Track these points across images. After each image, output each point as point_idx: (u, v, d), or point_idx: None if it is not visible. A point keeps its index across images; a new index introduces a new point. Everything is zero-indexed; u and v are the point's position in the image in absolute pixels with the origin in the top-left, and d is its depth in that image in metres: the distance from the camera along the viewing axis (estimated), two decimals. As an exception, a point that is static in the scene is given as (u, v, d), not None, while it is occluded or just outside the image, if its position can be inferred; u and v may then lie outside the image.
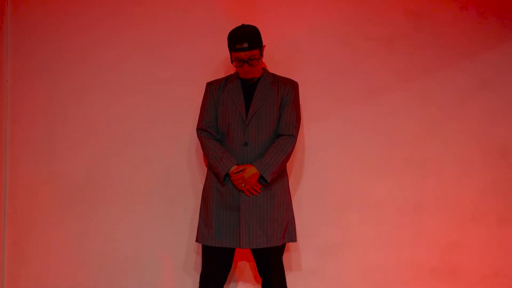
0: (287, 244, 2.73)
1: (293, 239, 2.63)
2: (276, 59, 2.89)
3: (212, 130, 2.67)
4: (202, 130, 2.67)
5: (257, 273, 2.75)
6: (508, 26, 2.99)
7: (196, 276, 2.88)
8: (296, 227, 2.70)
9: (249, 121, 2.61)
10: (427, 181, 2.98)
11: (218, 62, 2.93)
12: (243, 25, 2.59)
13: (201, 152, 2.85)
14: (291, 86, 2.69)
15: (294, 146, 2.62)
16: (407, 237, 2.99)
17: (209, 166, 2.64)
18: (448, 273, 2.99)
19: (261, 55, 2.60)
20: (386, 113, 2.98)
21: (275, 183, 2.60)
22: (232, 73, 2.76)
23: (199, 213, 2.67)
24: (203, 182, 2.72)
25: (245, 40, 2.49)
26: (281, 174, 2.65)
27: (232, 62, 2.57)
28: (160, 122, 2.94)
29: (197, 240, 2.61)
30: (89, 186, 2.95)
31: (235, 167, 2.53)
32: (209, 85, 2.74)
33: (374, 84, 2.97)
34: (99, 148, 2.95)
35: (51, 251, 2.95)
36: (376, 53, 2.97)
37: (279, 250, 2.65)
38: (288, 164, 2.72)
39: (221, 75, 2.86)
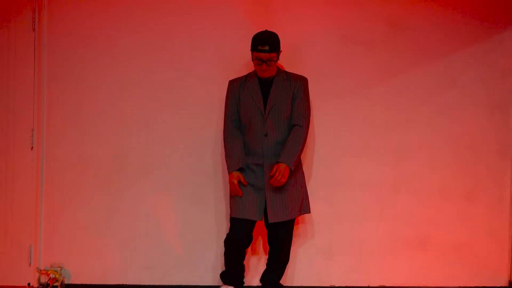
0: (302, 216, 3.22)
1: (307, 211, 3.10)
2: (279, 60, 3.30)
3: (235, 123, 3.08)
4: (227, 124, 3.09)
5: (266, 243, 3.21)
6: (473, 31, 3.42)
7: (215, 246, 3.37)
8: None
9: (267, 115, 2.98)
10: (403, 165, 3.44)
11: (237, 63, 3.30)
12: (266, 30, 2.99)
13: (214, 137, 3.35)
14: (301, 81, 3.05)
15: (306, 135, 3.01)
16: (386, 213, 3.45)
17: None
18: (422, 244, 3.46)
19: (278, 58, 2.98)
20: (369, 106, 3.43)
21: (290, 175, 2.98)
22: (251, 71, 3.11)
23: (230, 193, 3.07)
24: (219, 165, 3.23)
25: (267, 43, 2.88)
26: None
27: (252, 60, 2.95)
28: (180, 111, 3.37)
29: (231, 215, 3.02)
30: (114, 168, 3.40)
31: (273, 168, 2.93)
32: (231, 83, 3.12)
33: (359, 80, 3.42)
34: (124, 135, 3.39)
35: (80, 225, 3.41)
36: (361, 54, 3.42)
37: (292, 222, 3.10)
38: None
39: (240, 73, 3.22)
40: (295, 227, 3.22)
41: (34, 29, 3.36)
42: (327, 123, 3.42)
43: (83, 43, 3.39)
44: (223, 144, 3.16)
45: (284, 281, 3.35)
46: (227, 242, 3.07)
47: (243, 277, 3.23)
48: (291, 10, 3.39)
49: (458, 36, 3.42)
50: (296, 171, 3.05)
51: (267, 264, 3.24)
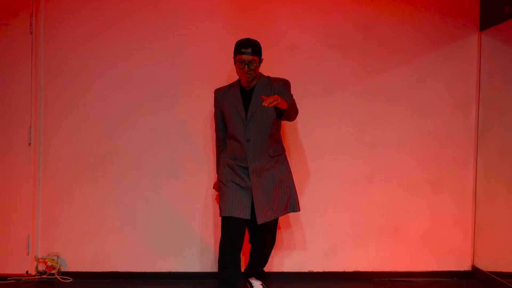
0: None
1: (296, 209, 3.10)
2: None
3: (220, 133, 3.20)
4: (216, 133, 3.22)
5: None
6: (439, 37, 3.70)
7: (203, 235, 3.60)
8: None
9: (248, 121, 3.01)
10: (375, 159, 3.72)
11: (227, 65, 3.44)
12: (248, 38, 3.03)
13: (205, 133, 3.59)
14: (283, 82, 3.07)
15: (295, 106, 2.97)
16: (359, 203, 3.71)
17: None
18: (392, 231, 3.73)
19: (259, 64, 3.01)
20: (343, 104, 3.70)
21: (275, 168, 3.06)
22: (235, 81, 3.16)
23: (220, 194, 3.10)
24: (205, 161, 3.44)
25: (250, 46, 2.94)
26: (282, 161, 3.12)
27: (235, 63, 2.98)
28: (167, 110, 3.61)
29: (221, 214, 3.00)
30: (108, 163, 3.63)
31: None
32: (215, 92, 3.19)
33: (333, 81, 3.69)
34: (116, 132, 3.62)
35: (75, 216, 3.63)
36: (335, 57, 3.69)
37: (276, 221, 3.17)
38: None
39: (231, 74, 3.41)
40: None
41: (31, 32, 3.58)
42: (305, 120, 3.66)
43: (77, 45, 3.60)
44: (214, 144, 3.35)
45: (268, 267, 3.58)
46: (222, 243, 3.00)
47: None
48: (278, 17, 3.64)
49: (424, 42, 3.70)
50: (279, 174, 3.08)
51: (249, 261, 3.32)
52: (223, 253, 2.97)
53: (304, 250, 3.71)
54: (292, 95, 3.05)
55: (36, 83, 3.60)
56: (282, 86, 3.05)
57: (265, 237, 3.18)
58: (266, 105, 2.65)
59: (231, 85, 3.17)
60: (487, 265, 3.64)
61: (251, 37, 3.06)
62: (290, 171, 3.17)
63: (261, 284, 3.36)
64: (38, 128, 3.62)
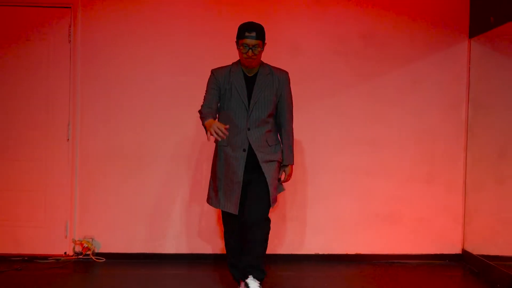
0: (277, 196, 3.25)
1: (281, 189, 3.25)
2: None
3: (210, 110, 3.03)
4: (203, 109, 3.07)
5: None
6: (432, 43, 4.10)
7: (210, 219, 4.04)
8: (285, 187, 3.40)
9: (251, 111, 3.02)
10: (375, 154, 4.12)
11: None
12: (252, 21, 2.99)
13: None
14: (284, 77, 3.11)
15: (293, 128, 3.20)
16: (361, 193, 4.12)
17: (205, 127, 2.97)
18: (389, 218, 4.14)
19: (263, 48, 2.98)
20: (345, 104, 4.11)
21: (274, 156, 3.11)
22: (234, 62, 3.11)
23: (210, 183, 3.24)
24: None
25: (254, 30, 2.91)
26: (279, 150, 3.17)
27: (238, 48, 2.95)
28: (187, 110, 3.99)
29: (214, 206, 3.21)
30: (137, 157, 4.06)
31: (283, 173, 3.20)
32: (214, 72, 3.10)
33: (336, 83, 4.10)
34: (146, 130, 4.05)
35: (108, 203, 4.07)
36: (339, 62, 4.09)
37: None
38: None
39: None
40: (282, 205, 3.85)
41: (70, 41, 4.04)
42: (312, 118, 4.07)
43: (111, 52, 4.05)
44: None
45: (274, 250, 3.97)
46: (225, 234, 3.28)
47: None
48: (286, 26, 4.05)
49: (419, 48, 4.11)
50: (273, 166, 3.11)
51: (245, 249, 3.15)
52: (228, 244, 3.28)
53: (310, 234, 4.12)
54: (290, 90, 3.16)
55: (74, 85, 4.05)
56: (285, 84, 3.11)
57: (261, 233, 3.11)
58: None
59: (232, 67, 3.11)
60: (475, 248, 4.04)
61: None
62: (279, 167, 3.21)
63: (259, 285, 3.08)
64: (75, 125, 4.07)
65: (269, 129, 3.12)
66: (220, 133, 2.80)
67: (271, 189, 3.07)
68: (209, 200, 3.25)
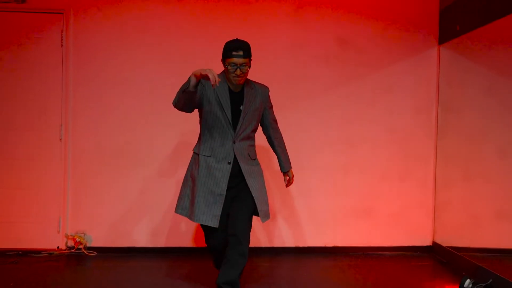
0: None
1: (269, 216, 3.12)
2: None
3: (185, 107, 2.93)
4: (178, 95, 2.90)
5: None
6: (405, 50, 4.38)
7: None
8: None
9: (239, 126, 2.99)
10: (351, 152, 4.38)
11: None
12: (237, 38, 2.96)
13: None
14: (266, 91, 3.14)
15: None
16: (338, 189, 4.38)
17: (182, 93, 2.84)
18: (365, 213, 4.40)
19: (250, 65, 2.96)
20: (324, 106, 4.36)
21: (258, 171, 3.11)
22: (219, 73, 3.02)
23: (182, 191, 3.11)
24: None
25: (241, 49, 2.89)
26: (259, 164, 3.15)
27: (225, 67, 2.91)
28: (172, 111, 4.24)
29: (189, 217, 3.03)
30: (126, 155, 4.27)
31: (287, 177, 3.26)
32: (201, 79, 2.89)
33: (316, 87, 4.35)
34: (133, 128, 4.26)
35: (99, 200, 4.28)
36: (318, 66, 4.34)
37: (250, 221, 3.09)
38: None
39: None
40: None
41: (62, 45, 4.23)
42: (294, 119, 4.31)
43: (101, 56, 4.24)
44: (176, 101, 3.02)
45: (257, 243, 4.21)
46: (209, 248, 3.21)
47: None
48: (271, 31, 4.29)
49: (393, 52, 4.37)
50: (262, 174, 3.15)
51: (224, 263, 3.05)
52: (213, 255, 3.25)
53: (291, 228, 4.37)
54: (271, 104, 3.21)
55: (66, 88, 4.24)
56: (268, 97, 3.15)
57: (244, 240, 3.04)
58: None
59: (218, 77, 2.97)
60: (445, 241, 4.32)
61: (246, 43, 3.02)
62: (263, 180, 3.20)
63: None
64: (68, 126, 4.26)
65: (251, 143, 3.13)
66: (216, 79, 2.72)
67: (261, 204, 3.05)
68: (178, 210, 3.11)
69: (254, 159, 3.15)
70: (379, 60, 4.38)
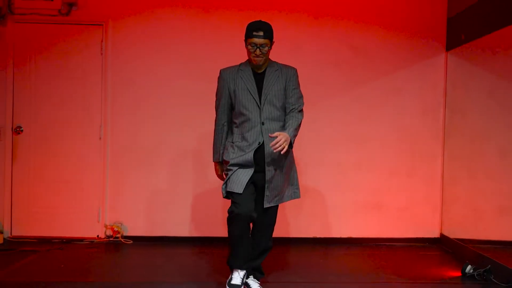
0: None
1: (298, 195, 3.29)
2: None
3: (224, 115, 3.15)
4: (219, 112, 3.16)
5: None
6: (413, 54, 4.71)
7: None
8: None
9: (263, 106, 3.04)
10: (362, 150, 4.74)
11: None
12: (260, 20, 3.03)
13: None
14: (292, 71, 3.13)
15: (301, 118, 3.12)
16: (351, 184, 4.73)
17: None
18: (376, 206, 4.75)
19: (270, 47, 3.01)
20: (337, 107, 4.71)
21: (285, 161, 3.13)
22: (242, 62, 3.17)
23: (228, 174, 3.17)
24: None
25: (262, 29, 2.94)
26: (289, 153, 3.16)
27: (246, 46, 2.99)
28: (199, 115, 4.59)
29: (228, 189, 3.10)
30: (157, 153, 4.70)
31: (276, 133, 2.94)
32: (223, 72, 3.14)
33: (330, 89, 4.71)
34: (165, 129, 4.69)
35: (135, 193, 4.71)
36: (330, 72, 4.70)
37: (277, 207, 3.27)
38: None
39: None
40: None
41: (102, 54, 4.70)
42: (310, 119, 4.56)
43: (136, 62, 4.69)
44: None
45: (277, 233, 4.53)
46: (231, 218, 3.07)
47: (250, 259, 3.21)
48: (291, 37, 4.62)
49: (402, 58, 4.71)
50: (290, 158, 3.19)
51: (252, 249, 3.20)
52: (232, 231, 3.09)
53: (309, 220, 4.74)
54: (299, 86, 3.19)
55: (105, 92, 4.70)
56: (292, 78, 3.14)
57: (270, 224, 3.27)
58: (278, 150, 2.86)
59: (240, 66, 3.14)
60: (451, 233, 4.65)
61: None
62: (294, 160, 3.29)
63: (259, 285, 3.27)
64: (107, 126, 4.71)
65: (283, 124, 3.12)
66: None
67: (272, 190, 3.10)
68: (223, 193, 3.17)
69: None
70: (388, 65, 4.72)
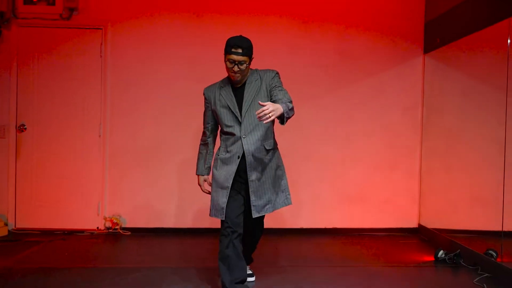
0: None
1: (288, 202, 3.24)
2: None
3: (209, 130, 3.21)
4: (204, 130, 3.23)
5: None
6: (393, 58, 5.06)
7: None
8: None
9: (243, 119, 3.02)
10: (348, 146, 5.07)
11: None
12: (241, 35, 2.97)
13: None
14: (272, 74, 3.06)
15: (292, 106, 2.84)
16: (336, 178, 5.07)
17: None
18: (360, 199, 5.09)
19: (249, 63, 2.98)
20: (326, 106, 5.04)
21: (272, 163, 3.11)
22: (224, 78, 3.18)
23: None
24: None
25: (240, 46, 2.90)
26: (277, 155, 3.17)
27: (225, 62, 2.96)
28: (195, 116, 4.94)
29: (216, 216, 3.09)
30: (156, 150, 4.99)
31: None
32: (205, 91, 3.18)
33: (317, 91, 5.05)
34: (161, 128, 4.98)
35: (132, 188, 5.01)
36: (319, 74, 5.03)
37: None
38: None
39: None
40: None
41: (101, 56, 4.98)
42: (300, 117, 4.87)
43: (135, 64, 4.97)
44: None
45: (267, 224, 4.72)
46: (223, 237, 3.06)
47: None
48: (279, 44, 5.00)
49: (384, 60, 5.06)
50: (279, 166, 3.19)
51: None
52: (223, 249, 3.06)
53: (296, 212, 5.06)
54: (282, 85, 3.08)
55: (104, 92, 4.98)
56: (273, 79, 3.06)
57: (257, 227, 3.28)
58: (263, 120, 2.61)
59: (221, 83, 3.15)
60: (429, 223, 4.99)
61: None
62: (283, 166, 3.26)
63: (249, 269, 3.52)
64: (106, 124, 4.99)
65: (266, 133, 3.09)
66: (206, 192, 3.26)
67: (257, 200, 3.07)
68: (210, 212, 3.18)
69: (270, 150, 3.12)
70: (371, 67, 5.06)
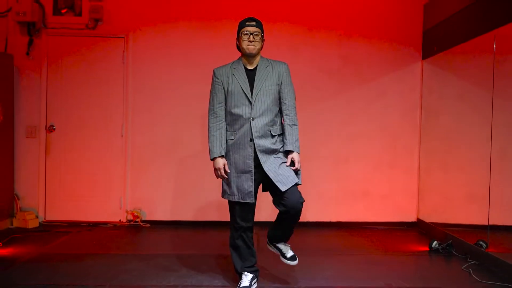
0: None
1: (299, 181, 3.24)
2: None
3: (222, 110, 3.14)
4: (214, 109, 3.15)
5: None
6: (394, 62, 5.41)
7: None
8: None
9: (254, 102, 3.07)
10: (351, 145, 5.43)
11: None
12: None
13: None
14: (284, 68, 3.16)
15: (296, 120, 3.19)
16: (340, 175, 5.44)
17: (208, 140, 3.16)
18: (362, 195, 5.45)
19: (262, 39, 3.11)
20: (329, 108, 5.40)
21: (278, 147, 3.20)
22: (234, 60, 3.25)
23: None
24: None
25: (254, 20, 3.12)
26: (282, 142, 3.23)
27: (239, 38, 3.07)
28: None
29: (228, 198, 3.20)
30: (174, 149, 5.39)
31: (289, 158, 3.06)
32: (216, 71, 3.18)
33: (323, 93, 5.41)
34: (179, 129, 5.37)
35: (152, 184, 5.40)
36: (323, 78, 5.39)
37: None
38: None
39: None
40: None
41: (123, 62, 5.40)
42: (306, 119, 5.30)
43: (155, 70, 5.38)
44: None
45: (273, 218, 5.29)
46: (234, 233, 3.22)
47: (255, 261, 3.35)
48: (283, 50, 5.37)
49: (384, 66, 5.39)
50: (283, 152, 3.25)
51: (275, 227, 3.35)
52: (235, 246, 3.24)
53: (303, 207, 5.27)
54: (291, 80, 3.22)
55: (127, 96, 5.40)
56: (284, 73, 3.17)
57: (293, 199, 3.19)
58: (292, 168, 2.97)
59: (233, 64, 3.19)
60: (426, 217, 5.33)
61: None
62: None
63: (290, 249, 3.52)
64: (128, 125, 5.39)
65: (273, 119, 3.14)
66: (224, 177, 3.16)
67: (276, 175, 3.10)
68: (224, 195, 3.24)
69: (276, 135, 3.18)
70: (372, 72, 5.39)
